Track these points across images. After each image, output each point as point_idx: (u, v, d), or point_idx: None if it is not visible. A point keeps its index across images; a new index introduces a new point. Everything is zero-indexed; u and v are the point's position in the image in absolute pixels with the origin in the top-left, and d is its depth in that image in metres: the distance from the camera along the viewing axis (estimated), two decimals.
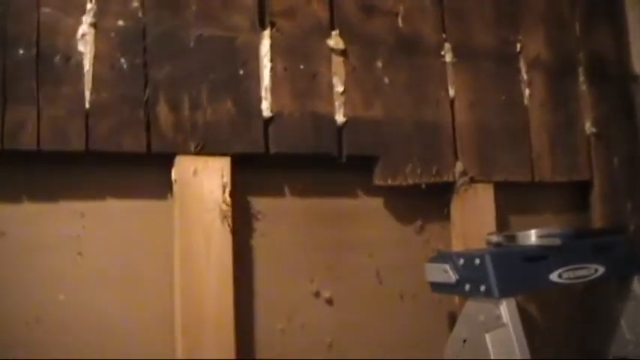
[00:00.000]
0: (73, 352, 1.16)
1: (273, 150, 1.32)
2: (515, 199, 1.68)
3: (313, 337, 1.39)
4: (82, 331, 1.18)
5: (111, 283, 1.21)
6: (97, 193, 1.23)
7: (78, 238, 1.20)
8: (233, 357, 1.23)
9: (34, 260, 1.16)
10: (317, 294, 1.40)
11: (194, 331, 1.21)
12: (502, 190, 1.61)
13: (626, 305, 1.54)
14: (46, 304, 1.16)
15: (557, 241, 1.36)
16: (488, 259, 1.28)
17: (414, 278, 1.48)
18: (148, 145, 1.21)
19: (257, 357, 1.32)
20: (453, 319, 1.52)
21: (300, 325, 1.37)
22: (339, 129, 1.40)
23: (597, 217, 1.79)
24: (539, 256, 1.35)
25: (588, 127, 1.80)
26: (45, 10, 1.15)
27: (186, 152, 1.24)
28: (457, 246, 1.53)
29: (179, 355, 1.20)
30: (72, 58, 1.16)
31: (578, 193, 1.83)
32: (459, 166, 1.53)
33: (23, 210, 1.17)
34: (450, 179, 1.52)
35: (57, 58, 1.15)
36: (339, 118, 1.39)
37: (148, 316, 1.23)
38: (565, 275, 1.37)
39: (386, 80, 1.47)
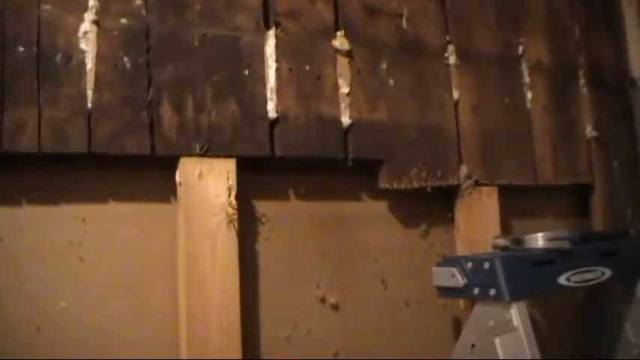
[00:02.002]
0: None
1: (279, 153, 1.29)
2: (517, 203, 1.67)
3: (319, 345, 1.36)
4: (84, 338, 1.14)
5: (114, 289, 1.18)
6: (99, 196, 1.19)
7: (79, 243, 1.16)
8: None
9: (34, 266, 1.12)
10: (323, 300, 1.37)
11: (199, 337, 1.18)
12: (504, 193, 1.60)
13: (631, 309, 1.53)
14: (47, 312, 1.12)
15: (566, 245, 1.35)
16: (498, 262, 1.26)
17: (419, 284, 1.47)
18: (152, 147, 1.17)
19: None
20: (458, 325, 1.50)
21: (306, 331, 1.35)
22: (345, 132, 1.37)
23: (598, 221, 1.80)
24: (548, 260, 1.33)
25: (589, 131, 1.80)
26: (46, 7, 1.12)
27: (190, 154, 1.21)
28: (462, 250, 1.51)
29: None
30: (73, 57, 1.13)
31: (578, 197, 1.83)
32: (464, 170, 1.52)
33: (23, 214, 1.13)
34: (455, 182, 1.51)
35: (58, 57, 1.12)
36: (345, 120, 1.37)
37: (152, 323, 1.20)
38: (573, 279, 1.35)
39: (391, 82, 1.45)
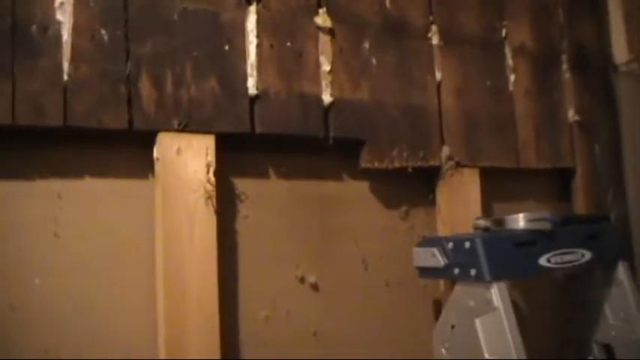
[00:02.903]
0: (49, 340, 1.11)
1: (259, 130, 1.28)
2: (498, 186, 1.66)
3: (298, 325, 1.35)
4: (59, 317, 1.12)
5: (90, 266, 1.16)
6: (75, 172, 1.17)
7: (55, 219, 1.14)
8: (217, 343, 1.19)
9: (8, 243, 1.10)
10: (302, 279, 1.36)
11: (177, 315, 1.16)
12: (486, 176, 1.59)
13: (611, 291, 1.53)
14: (21, 290, 1.10)
15: (547, 226, 1.34)
16: (479, 242, 1.25)
17: (400, 265, 1.47)
18: (130, 122, 1.15)
19: (241, 345, 1.28)
20: (438, 307, 1.50)
21: (285, 311, 1.33)
22: (326, 110, 1.36)
23: (580, 205, 1.79)
24: (529, 241, 1.33)
25: (571, 115, 1.79)
26: None
27: (169, 130, 1.19)
28: (443, 232, 1.51)
29: (161, 339, 1.16)
30: (49, 29, 1.11)
31: (560, 181, 1.82)
32: (446, 151, 1.51)
33: None
34: (437, 163, 1.50)
35: (33, 28, 1.09)
36: (326, 98, 1.36)
37: (129, 301, 1.18)
38: (553, 260, 1.35)
39: (373, 62, 1.43)
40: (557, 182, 1.82)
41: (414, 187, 1.53)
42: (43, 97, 1.09)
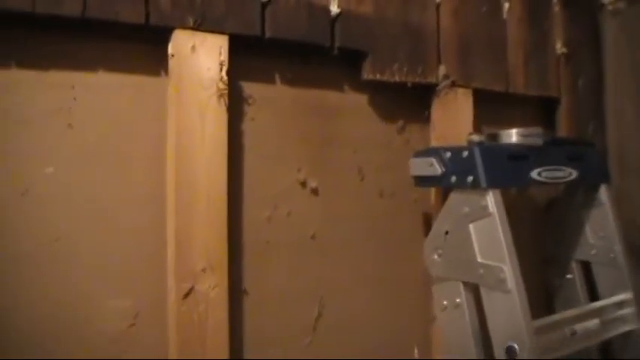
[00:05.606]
0: (60, 226, 1.13)
1: (268, 34, 1.30)
2: (488, 111, 1.71)
3: (298, 227, 1.40)
4: (69, 204, 1.14)
5: (101, 157, 1.18)
6: (90, 64, 1.17)
7: (69, 109, 1.15)
8: (225, 237, 1.23)
9: (21, 131, 1.11)
10: (303, 183, 1.40)
11: (186, 209, 1.20)
12: (478, 99, 1.65)
13: (592, 212, 1.61)
14: (34, 177, 1.12)
15: (539, 141, 1.41)
16: (477, 151, 1.31)
17: (394, 177, 1.53)
18: (147, 16, 1.16)
19: (244, 242, 1.33)
20: (428, 220, 1.56)
21: (287, 213, 1.38)
22: (332, 21, 1.39)
23: (563, 134, 1.86)
24: (522, 155, 1.39)
25: (559, 48, 1.86)
26: None
27: (184, 27, 1.21)
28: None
29: (171, 231, 1.20)
30: None
31: (545, 111, 1.90)
32: (442, 69, 1.56)
33: (11, 77, 1.11)
34: (434, 81, 1.55)
35: None
36: (334, 9, 1.38)
37: (139, 193, 1.21)
38: (544, 174, 1.41)
39: None
40: (542, 111, 1.90)
41: (410, 103, 1.58)
42: None
